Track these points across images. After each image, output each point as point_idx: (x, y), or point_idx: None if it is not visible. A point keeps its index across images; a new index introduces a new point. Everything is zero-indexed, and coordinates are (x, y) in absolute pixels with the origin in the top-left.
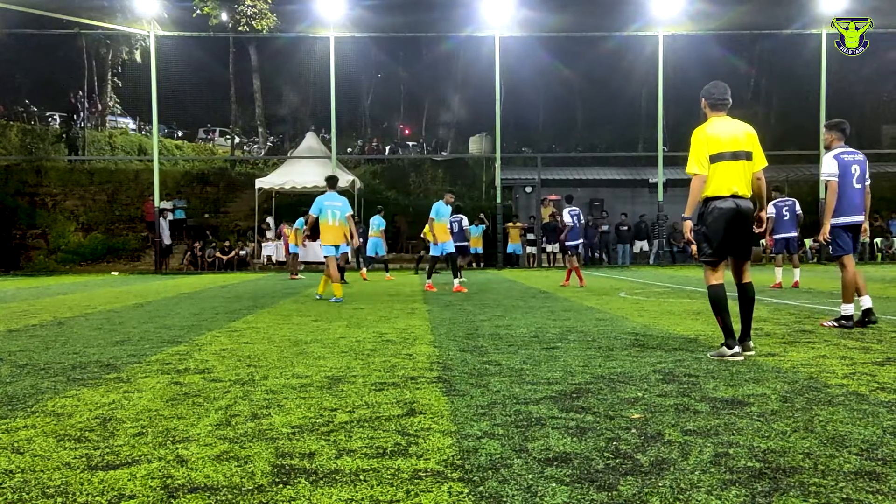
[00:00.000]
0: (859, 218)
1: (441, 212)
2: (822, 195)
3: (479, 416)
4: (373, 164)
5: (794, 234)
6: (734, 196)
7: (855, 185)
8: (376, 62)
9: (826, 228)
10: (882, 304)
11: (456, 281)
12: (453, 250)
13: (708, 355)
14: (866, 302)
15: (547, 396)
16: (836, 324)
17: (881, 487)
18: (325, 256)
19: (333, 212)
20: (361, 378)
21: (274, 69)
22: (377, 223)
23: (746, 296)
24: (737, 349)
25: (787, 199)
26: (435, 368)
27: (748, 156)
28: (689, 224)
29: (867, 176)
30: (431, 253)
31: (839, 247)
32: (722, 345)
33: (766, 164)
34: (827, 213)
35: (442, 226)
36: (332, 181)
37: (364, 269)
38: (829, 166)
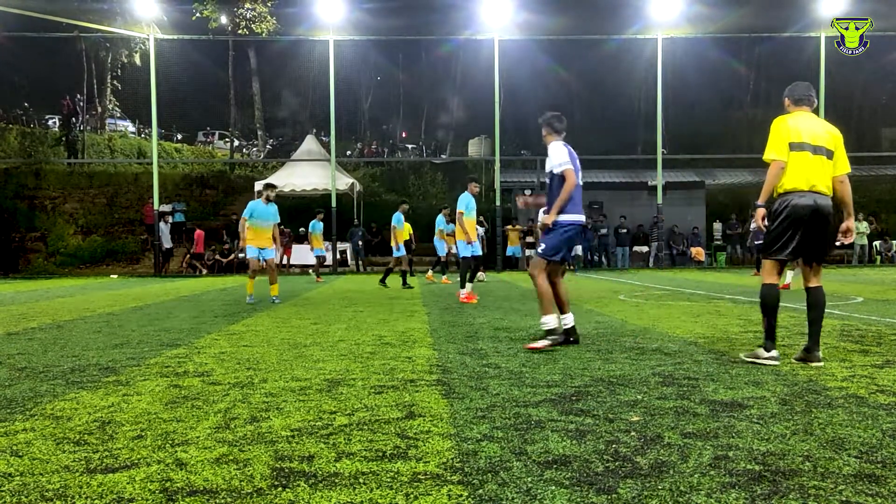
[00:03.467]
0: (583, 217)
1: (471, 204)
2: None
3: (478, 418)
4: (372, 166)
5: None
6: (814, 192)
7: (580, 180)
8: (375, 65)
9: (551, 218)
10: (881, 307)
11: (467, 288)
12: (480, 253)
13: (741, 356)
14: (552, 322)
15: (546, 399)
16: (547, 342)
17: (881, 490)
18: (251, 258)
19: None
20: (361, 381)
21: (273, 72)
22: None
23: (818, 301)
24: (774, 353)
25: None
26: (434, 371)
27: (829, 154)
28: (762, 211)
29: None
30: (462, 254)
31: (556, 249)
32: (759, 346)
33: (850, 169)
34: (557, 203)
35: (472, 222)
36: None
37: (430, 272)
38: (559, 154)
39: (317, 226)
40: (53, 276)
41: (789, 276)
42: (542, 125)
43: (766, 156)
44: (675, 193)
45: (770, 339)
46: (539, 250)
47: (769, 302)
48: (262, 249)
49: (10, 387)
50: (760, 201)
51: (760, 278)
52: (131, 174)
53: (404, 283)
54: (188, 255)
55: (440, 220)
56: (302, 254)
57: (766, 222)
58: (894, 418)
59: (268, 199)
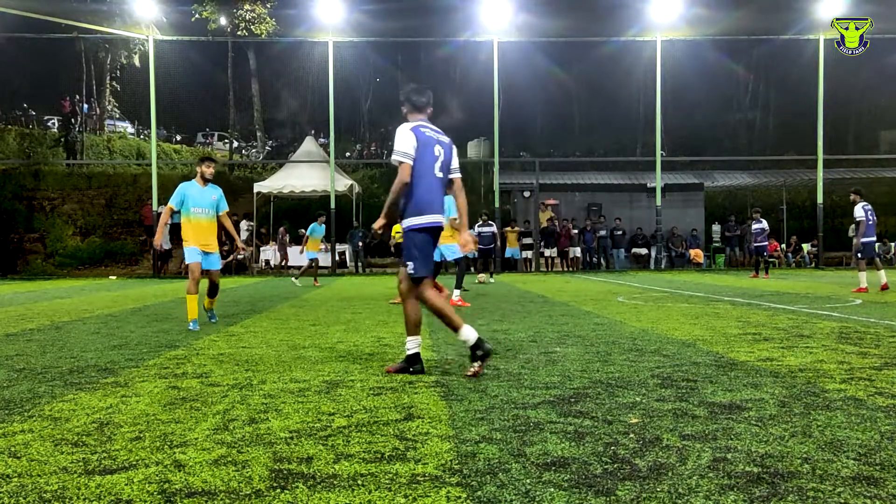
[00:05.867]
0: (442, 220)
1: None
2: (819, 200)
3: (477, 420)
4: (371, 168)
5: (875, 237)
6: None
7: (437, 172)
8: (375, 66)
9: (381, 223)
10: (880, 309)
11: (456, 293)
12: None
13: None
14: (471, 334)
15: (545, 401)
16: (399, 368)
17: (879, 492)
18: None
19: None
20: (359, 382)
21: (273, 73)
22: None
23: None
24: None
25: (867, 203)
26: (433, 372)
27: None
28: None
29: (455, 164)
30: (456, 257)
31: (422, 264)
32: None
33: None
34: (389, 204)
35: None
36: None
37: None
38: (400, 141)
39: (317, 229)
40: (52, 278)
41: (863, 278)
42: (402, 101)
43: None
44: (674, 195)
45: None
46: (408, 270)
47: None
48: (207, 254)
49: (9, 388)
50: None
51: (759, 280)
52: (130, 175)
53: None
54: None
55: None
56: (295, 255)
57: None
58: (893, 420)
59: (205, 179)
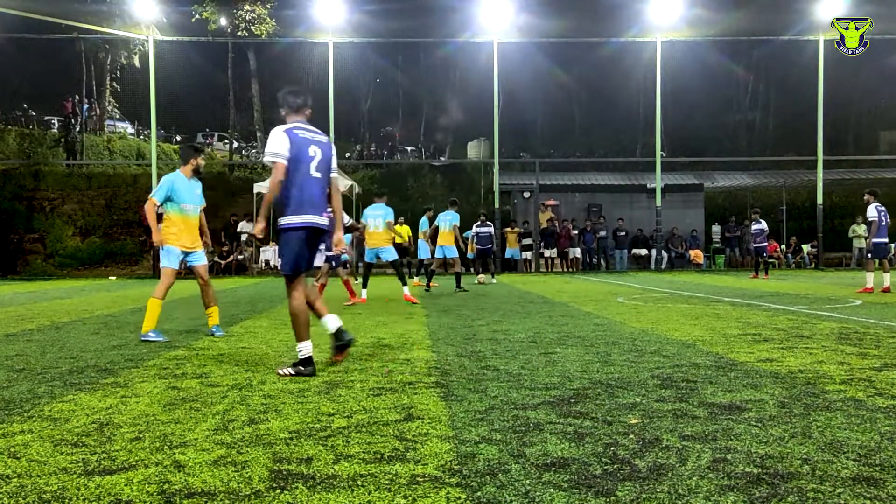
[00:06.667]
0: (320, 220)
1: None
2: (819, 200)
3: (476, 421)
4: (371, 169)
5: (888, 238)
6: None
7: (314, 172)
8: (375, 67)
9: (260, 227)
10: (880, 309)
11: (405, 289)
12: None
13: None
14: (332, 322)
15: (545, 402)
16: (292, 371)
17: (879, 493)
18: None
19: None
20: (359, 383)
21: (273, 74)
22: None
23: None
24: None
25: (881, 203)
26: (433, 373)
27: None
28: None
29: (334, 164)
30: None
31: (290, 261)
32: None
33: None
34: (266, 204)
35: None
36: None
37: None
38: (272, 142)
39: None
40: (52, 278)
41: (870, 279)
42: (280, 104)
43: None
44: (674, 196)
45: None
46: (280, 267)
47: None
48: (190, 252)
49: (8, 388)
50: None
51: (758, 281)
52: (130, 175)
53: (428, 284)
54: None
55: (423, 221)
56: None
57: None
58: (892, 421)
59: (196, 171)
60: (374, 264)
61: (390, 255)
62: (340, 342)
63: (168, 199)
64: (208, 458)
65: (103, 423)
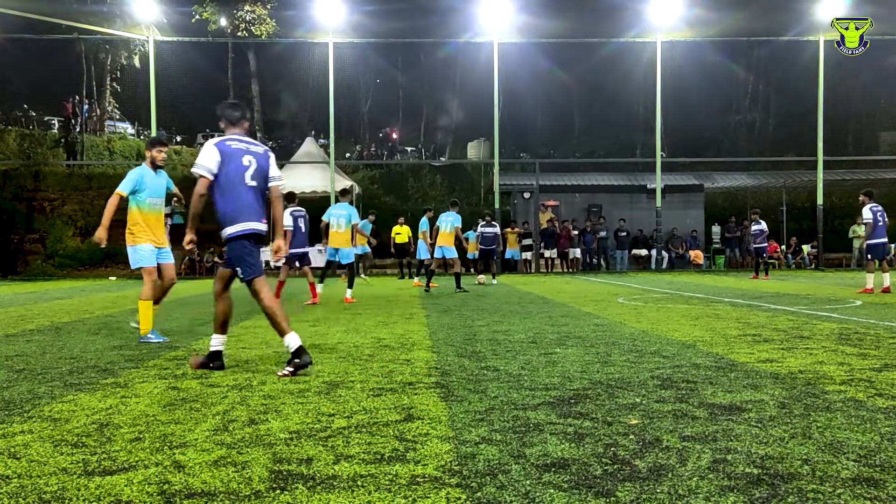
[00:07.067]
0: (259, 226)
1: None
2: (819, 201)
3: (476, 421)
4: (371, 169)
5: (886, 239)
6: None
7: (248, 181)
8: (375, 67)
9: (188, 238)
10: (880, 310)
11: (349, 292)
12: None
13: None
14: (294, 341)
15: (545, 402)
16: (291, 369)
17: (879, 494)
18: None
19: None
20: (359, 383)
21: (273, 74)
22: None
23: None
24: None
25: (877, 204)
26: (433, 374)
27: None
28: None
29: (273, 173)
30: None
31: (247, 267)
32: None
33: None
34: (191, 217)
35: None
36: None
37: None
38: (202, 155)
39: (366, 227)
40: (52, 278)
41: (870, 280)
42: (219, 118)
43: None
44: (674, 196)
45: None
46: (239, 275)
47: None
48: (160, 249)
49: (8, 389)
50: None
51: (759, 282)
52: None
53: (427, 284)
54: (185, 257)
55: (424, 222)
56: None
57: None
58: (893, 422)
59: (156, 165)
60: (335, 263)
61: (348, 257)
62: (296, 359)
63: (134, 191)
64: (208, 458)
65: (103, 423)
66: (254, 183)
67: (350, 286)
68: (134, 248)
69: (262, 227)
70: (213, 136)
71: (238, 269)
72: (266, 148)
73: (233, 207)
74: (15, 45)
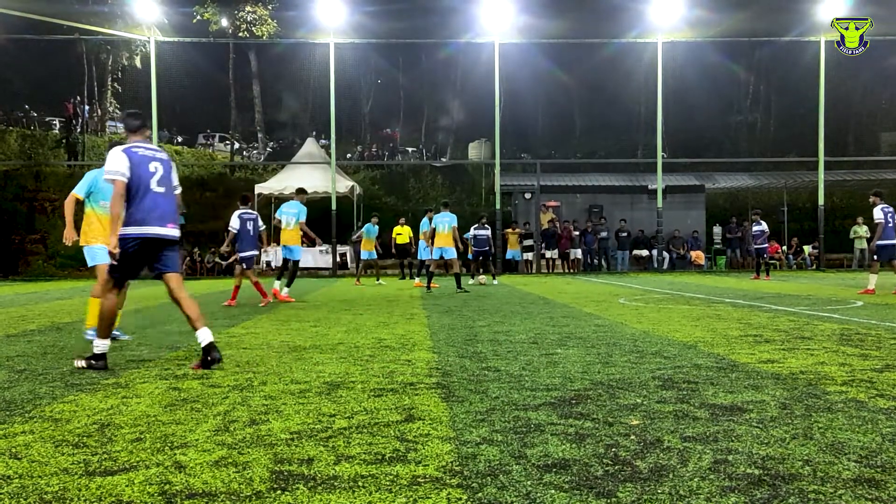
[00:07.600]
0: (162, 231)
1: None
2: (820, 201)
3: (477, 422)
4: (372, 169)
5: (895, 240)
6: None
7: (155, 187)
8: (376, 68)
9: (113, 242)
10: (881, 311)
11: (286, 290)
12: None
13: None
14: (205, 336)
15: (546, 402)
16: (84, 364)
17: (880, 495)
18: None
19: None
20: (360, 384)
21: (274, 75)
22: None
23: None
24: None
25: (888, 205)
26: (434, 374)
27: None
28: None
29: (175, 181)
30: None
31: (120, 267)
32: None
33: None
34: (114, 223)
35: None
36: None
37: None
38: (110, 161)
39: (372, 230)
40: (53, 279)
41: (873, 281)
42: (124, 126)
43: None
44: (676, 197)
45: None
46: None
47: None
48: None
49: (9, 389)
50: None
51: (760, 282)
52: None
53: (428, 285)
54: (187, 258)
55: (424, 222)
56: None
57: None
58: (894, 422)
59: None
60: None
61: (295, 254)
62: (209, 357)
63: (89, 193)
64: (209, 458)
65: (104, 423)
66: (161, 189)
67: (288, 284)
68: (89, 248)
69: (168, 232)
70: (213, 136)
71: (113, 264)
72: (168, 155)
73: (138, 211)
74: (16, 46)
